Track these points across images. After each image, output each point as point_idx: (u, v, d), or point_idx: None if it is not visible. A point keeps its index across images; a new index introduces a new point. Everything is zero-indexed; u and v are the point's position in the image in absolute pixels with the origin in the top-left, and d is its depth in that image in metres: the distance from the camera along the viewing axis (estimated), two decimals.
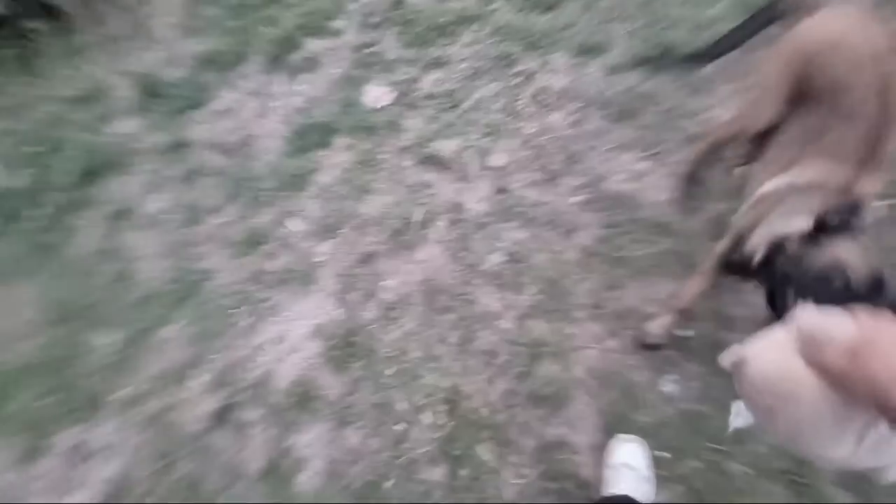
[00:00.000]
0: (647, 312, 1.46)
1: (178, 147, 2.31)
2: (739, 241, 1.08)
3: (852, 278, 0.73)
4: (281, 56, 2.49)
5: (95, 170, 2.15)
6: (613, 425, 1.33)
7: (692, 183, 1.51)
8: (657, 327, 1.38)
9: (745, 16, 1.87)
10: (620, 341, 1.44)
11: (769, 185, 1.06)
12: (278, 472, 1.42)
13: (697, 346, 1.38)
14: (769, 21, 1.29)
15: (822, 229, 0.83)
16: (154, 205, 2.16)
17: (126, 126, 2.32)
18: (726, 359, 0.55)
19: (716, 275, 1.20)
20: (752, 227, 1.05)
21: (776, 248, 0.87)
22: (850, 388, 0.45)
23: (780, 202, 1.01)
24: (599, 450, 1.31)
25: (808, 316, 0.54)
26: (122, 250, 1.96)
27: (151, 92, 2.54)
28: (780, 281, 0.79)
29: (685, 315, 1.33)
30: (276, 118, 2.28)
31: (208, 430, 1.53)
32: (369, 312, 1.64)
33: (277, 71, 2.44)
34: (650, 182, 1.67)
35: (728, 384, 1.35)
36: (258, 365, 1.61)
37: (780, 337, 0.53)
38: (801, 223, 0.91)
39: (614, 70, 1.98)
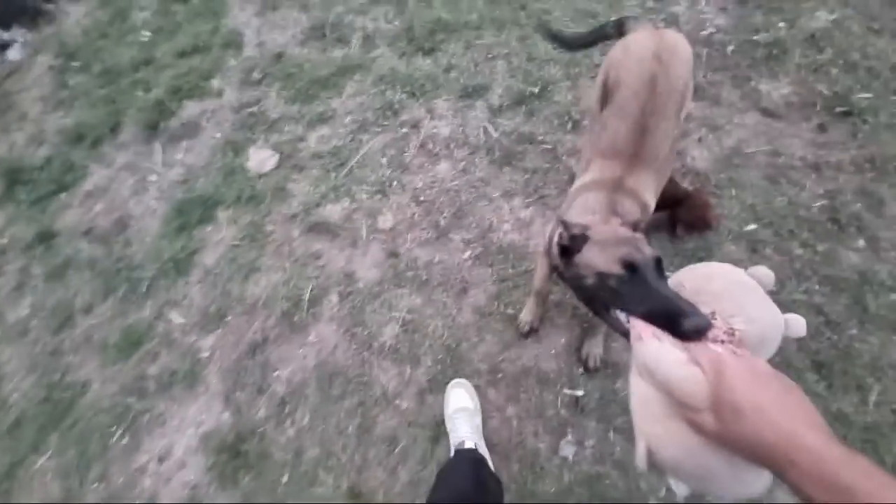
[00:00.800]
0: (542, 370, 1.42)
1: (46, 239, 2.08)
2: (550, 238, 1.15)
3: (611, 274, 0.74)
4: (156, 123, 2.31)
5: None
6: (520, 501, 1.28)
7: None
8: (526, 314, 1.46)
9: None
10: (519, 406, 1.39)
11: (573, 186, 1.17)
12: None
13: (589, 403, 1.35)
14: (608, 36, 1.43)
15: (565, 249, 0.87)
16: (20, 311, 1.93)
17: None
18: (640, 461, 0.53)
19: (546, 260, 1.25)
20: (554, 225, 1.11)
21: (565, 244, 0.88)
22: (731, 446, 0.46)
23: (572, 201, 1.11)
24: None
25: (651, 354, 0.54)
26: None
27: (13, 179, 2.29)
28: (588, 291, 0.79)
29: (541, 296, 1.40)
30: (154, 194, 2.10)
31: None
32: (261, 411, 1.51)
33: (153, 140, 2.26)
34: (536, 229, 1.64)
35: (621, 440, 1.35)
36: (139, 493, 1.44)
37: (672, 424, 0.51)
38: (585, 220, 0.95)
39: (498, 111, 1.96)
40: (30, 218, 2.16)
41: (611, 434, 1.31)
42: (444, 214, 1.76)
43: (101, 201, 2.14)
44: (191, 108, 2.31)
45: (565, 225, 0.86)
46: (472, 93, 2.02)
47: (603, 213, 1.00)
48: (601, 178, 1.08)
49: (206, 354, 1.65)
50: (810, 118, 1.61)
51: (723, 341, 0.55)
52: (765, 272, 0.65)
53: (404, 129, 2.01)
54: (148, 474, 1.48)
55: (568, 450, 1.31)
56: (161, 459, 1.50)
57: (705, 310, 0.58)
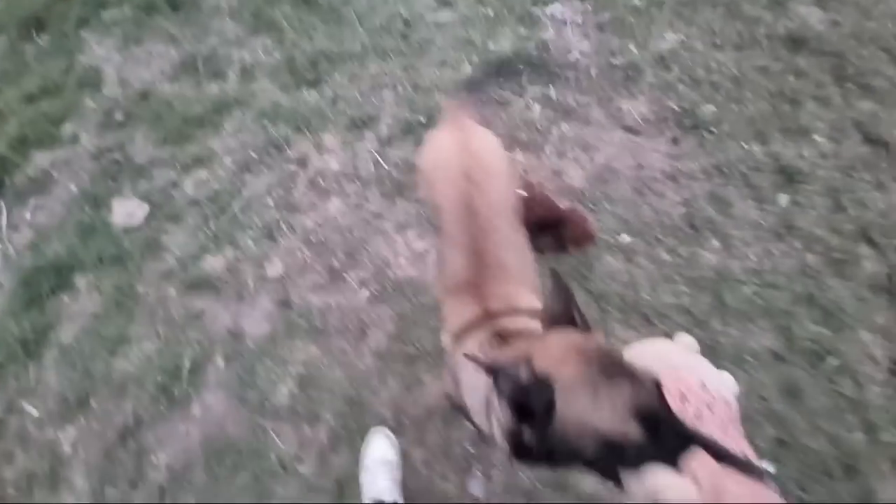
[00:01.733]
0: (445, 408, 1.39)
1: None
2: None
3: (625, 435, 0.54)
4: (0, 180, 1.99)
5: None
6: None
7: None
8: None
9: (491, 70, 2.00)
10: (425, 449, 1.35)
11: (444, 344, 1.01)
12: None
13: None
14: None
15: (520, 408, 0.61)
16: None
17: None
18: None
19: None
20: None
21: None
22: None
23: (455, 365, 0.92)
24: None
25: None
26: None
27: None
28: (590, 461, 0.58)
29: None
30: None
31: None
32: None
33: None
34: (432, 260, 1.62)
35: (531, 470, 1.34)
36: None
37: None
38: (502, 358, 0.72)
39: (387, 141, 1.92)
40: None
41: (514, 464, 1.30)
42: (338, 255, 1.68)
43: None
44: (40, 160, 2.02)
45: (498, 373, 0.60)
46: (360, 124, 1.97)
47: (501, 350, 0.76)
48: (466, 321, 0.89)
49: (67, 450, 1.42)
50: (665, 132, 1.77)
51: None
52: (690, 340, 0.65)
53: (291, 166, 1.91)
54: None
55: (477, 487, 1.28)
56: None
57: (672, 391, 0.56)
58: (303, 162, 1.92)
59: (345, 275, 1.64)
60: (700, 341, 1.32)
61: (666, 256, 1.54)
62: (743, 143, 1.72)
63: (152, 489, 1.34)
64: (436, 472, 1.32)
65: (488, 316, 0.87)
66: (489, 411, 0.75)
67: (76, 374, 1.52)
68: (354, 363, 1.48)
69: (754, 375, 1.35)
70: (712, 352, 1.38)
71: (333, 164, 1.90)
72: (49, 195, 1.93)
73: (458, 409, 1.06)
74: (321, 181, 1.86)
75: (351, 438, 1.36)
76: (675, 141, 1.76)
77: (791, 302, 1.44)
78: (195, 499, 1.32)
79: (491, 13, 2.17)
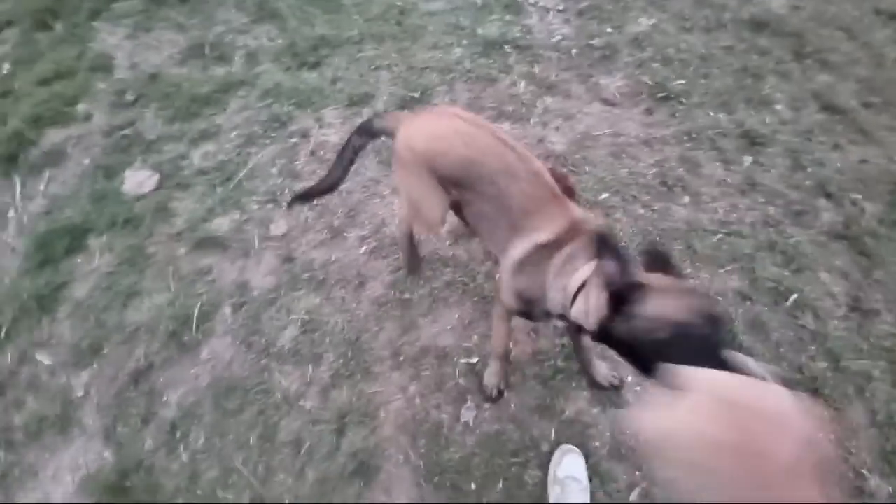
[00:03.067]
0: (439, 346, 1.49)
1: None
2: (520, 297, 1.11)
3: (692, 325, 0.67)
4: (14, 156, 2.09)
5: None
6: (428, 475, 1.31)
7: (412, 255, 1.59)
8: (491, 377, 1.38)
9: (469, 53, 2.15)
10: (420, 384, 1.44)
11: (517, 251, 1.08)
12: None
13: (484, 367, 1.44)
14: (362, 146, 1.35)
15: (617, 298, 0.76)
16: None
17: None
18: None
19: (508, 321, 1.26)
20: (527, 286, 1.07)
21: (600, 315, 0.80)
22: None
23: (540, 263, 1.02)
24: None
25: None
26: None
27: None
28: (635, 350, 0.72)
29: (505, 358, 1.36)
30: (12, 231, 1.88)
31: None
32: (147, 442, 1.39)
33: (11, 174, 2.04)
34: None
35: (513, 395, 1.45)
36: None
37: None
38: (583, 273, 0.90)
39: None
40: None
41: (504, 391, 1.40)
42: (338, 215, 1.79)
43: None
44: (54, 136, 2.13)
45: (611, 273, 0.76)
46: (358, 101, 2.12)
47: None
48: (557, 232, 1.01)
49: (79, 393, 1.49)
50: (639, 104, 1.93)
51: None
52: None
53: (294, 139, 2.04)
54: None
55: (468, 414, 1.37)
56: None
57: None
58: (304, 135, 2.04)
59: (345, 233, 1.75)
60: None
61: (641, 211, 1.67)
62: (710, 112, 1.88)
63: (163, 425, 1.41)
64: (431, 404, 1.41)
65: (573, 231, 1.00)
66: (585, 294, 0.88)
67: (89, 325, 1.60)
68: (354, 310, 1.58)
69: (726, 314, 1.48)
70: None
71: (333, 137, 2.03)
72: (63, 168, 2.03)
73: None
74: (322, 152, 1.99)
75: (351, 376, 1.46)
76: (648, 111, 1.91)
77: (755, 248, 1.57)
78: (204, 433, 1.40)
79: (479, 2, 2.34)
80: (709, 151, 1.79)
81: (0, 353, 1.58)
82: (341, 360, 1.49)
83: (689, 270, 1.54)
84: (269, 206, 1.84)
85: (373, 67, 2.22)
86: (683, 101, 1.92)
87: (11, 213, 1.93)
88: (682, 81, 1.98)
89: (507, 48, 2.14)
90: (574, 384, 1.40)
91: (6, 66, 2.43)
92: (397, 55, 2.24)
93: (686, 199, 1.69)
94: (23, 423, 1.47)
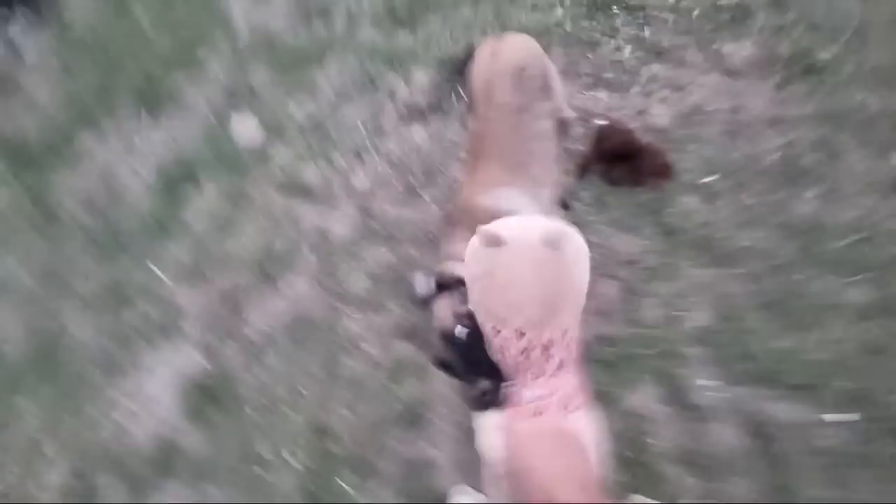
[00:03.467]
0: None
1: (37, 201, 2.19)
2: None
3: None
4: (144, 92, 2.41)
5: None
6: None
7: None
8: None
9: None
10: None
11: None
12: None
13: None
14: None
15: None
16: (6, 268, 2.03)
17: None
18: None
19: None
20: None
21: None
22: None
23: None
24: (459, 463, 1.29)
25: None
26: None
27: (9, 149, 2.40)
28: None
29: None
30: (140, 161, 2.19)
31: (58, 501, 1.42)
32: (232, 357, 1.57)
33: (141, 107, 2.36)
34: None
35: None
36: (110, 426, 1.51)
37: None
38: None
39: None
40: (24, 185, 2.27)
41: None
42: (416, 175, 1.82)
43: (89, 167, 2.24)
44: (177, 79, 2.40)
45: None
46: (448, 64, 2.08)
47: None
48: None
49: (183, 306, 1.73)
50: (770, 77, 1.64)
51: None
52: None
53: (382, 98, 2.08)
54: (121, 414, 1.55)
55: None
56: (135, 398, 1.57)
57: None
58: (392, 95, 2.08)
59: (420, 192, 1.77)
60: (777, 288, 1.27)
61: (750, 200, 1.46)
62: (861, 94, 1.55)
63: (244, 342, 1.59)
64: None
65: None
66: None
67: (197, 249, 1.83)
68: (421, 267, 1.61)
69: (840, 329, 1.26)
70: (790, 299, 1.30)
71: (420, 97, 2.04)
72: (183, 108, 2.30)
73: None
74: (407, 112, 2.01)
75: (413, 329, 1.50)
76: (780, 86, 1.63)
77: (889, 261, 1.29)
78: (277, 356, 1.55)
79: None
80: (852, 139, 1.49)
81: (119, 258, 1.89)
82: (404, 314, 1.54)
83: (799, 275, 1.33)
84: (354, 159, 1.92)
85: (466, 29, 2.16)
86: (828, 76, 1.60)
87: (141, 146, 2.24)
88: (830, 54, 1.64)
89: (614, 9, 1.94)
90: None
91: (141, 14, 2.76)
92: (493, 17, 2.15)
93: (814, 191, 1.43)
94: (134, 322, 1.74)
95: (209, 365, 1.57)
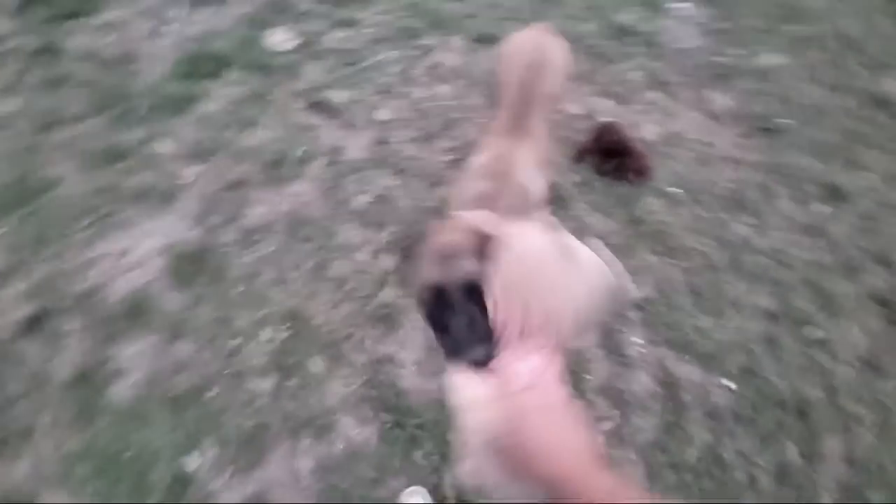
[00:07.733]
0: None
1: (50, 51, 2.13)
2: None
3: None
4: None
5: None
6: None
7: None
8: None
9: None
10: None
11: None
12: (90, 381, 1.36)
13: None
14: None
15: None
16: (6, 108, 1.96)
17: None
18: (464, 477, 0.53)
19: None
20: None
21: None
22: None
23: None
24: (421, 365, 1.45)
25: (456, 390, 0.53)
26: None
27: None
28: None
29: None
30: (167, 41, 2.21)
31: (16, 337, 1.42)
32: (227, 235, 1.65)
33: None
34: None
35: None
36: (88, 277, 1.53)
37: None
38: None
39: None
40: (40, 32, 2.19)
41: None
42: (434, 124, 1.99)
43: (114, 33, 2.22)
44: None
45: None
46: (483, 39, 2.29)
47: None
48: None
49: (187, 180, 1.78)
50: (739, 126, 2.00)
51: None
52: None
53: (417, 52, 2.25)
54: (102, 267, 1.57)
55: None
56: (119, 256, 1.60)
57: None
58: (427, 52, 2.25)
59: (435, 139, 1.95)
60: (704, 282, 1.55)
61: (703, 213, 1.77)
62: (805, 157, 1.93)
63: (241, 229, 1.67)
64: None
65: None
66: None
67: (210, 133, 1.89)
68: (422, 200, 1.78)
69: (744, 321, 1.56)
70: (712, 291, 1.60)
71: (453, 61, 2.22)
72: (221, 9, 2.34)
73: None
74: (437, 70, 2.19)
75: (405, 250, 1.66)
76: (745, 135, 1.98)
77: (797, 282, 1.64)
78: (272, 245, 1.64)
79: None
80: (789, 189, 1.85)
81: (130, 129, 1.90)
82: (398, 234, 1.70)
83: (727, 277, 1.64)
84: (380, 95, 2.06)
85: (506, 17, 2.39)
86: (784, 138, 1.98)
87: (170, 28, 2.25)
88: (790, 121, 2.03)
89: (636, 39, 2.25)
90: None
91: None
92: (532, 17, 2.39)
93: (751, 220, 1.77)
94: (132, 185, 1.76)
95: (203, 239, 1.63)
